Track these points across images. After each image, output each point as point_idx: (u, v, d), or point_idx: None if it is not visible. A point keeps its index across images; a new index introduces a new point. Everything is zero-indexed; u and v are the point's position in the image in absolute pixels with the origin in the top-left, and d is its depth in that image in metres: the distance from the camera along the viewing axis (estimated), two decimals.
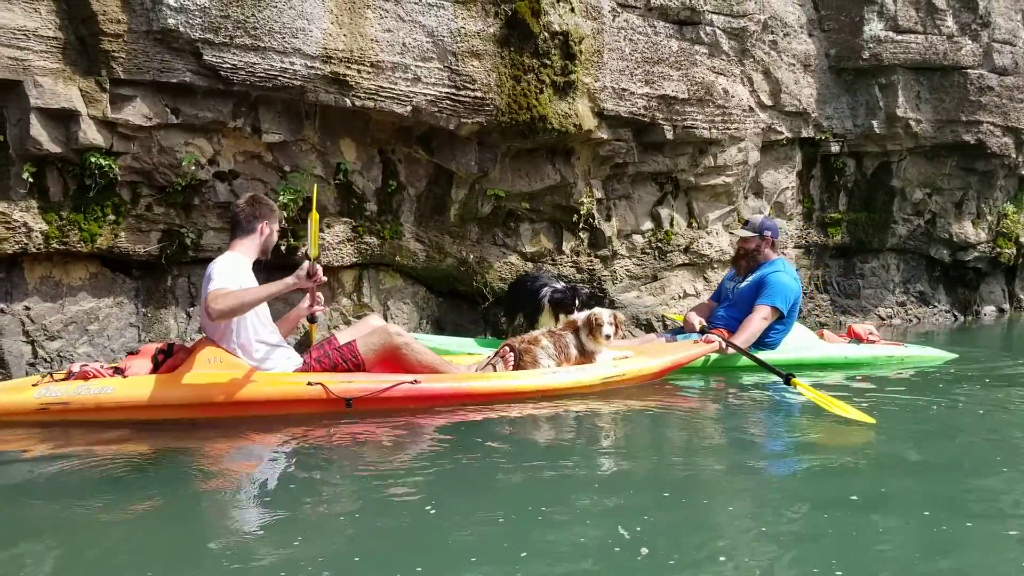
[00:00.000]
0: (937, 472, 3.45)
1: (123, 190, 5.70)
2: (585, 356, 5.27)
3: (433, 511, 2.95)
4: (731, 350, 5.73)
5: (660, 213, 8.10)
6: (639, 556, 2.48)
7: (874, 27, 8.78)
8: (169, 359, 4.43)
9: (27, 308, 5.56)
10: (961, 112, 9.20)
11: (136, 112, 5.51)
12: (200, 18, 5.41)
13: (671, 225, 8.16)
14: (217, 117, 5.78)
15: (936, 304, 10.30)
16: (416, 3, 6.25)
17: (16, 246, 5.34)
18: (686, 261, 8.21)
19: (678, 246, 8.17)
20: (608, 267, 7.79)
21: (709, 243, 8.32)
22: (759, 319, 5.88)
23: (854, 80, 9.06)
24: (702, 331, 5.97)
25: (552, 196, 7.40)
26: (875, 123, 9.07)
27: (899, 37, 8.86)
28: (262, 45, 5.64)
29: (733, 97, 7.99)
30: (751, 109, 8.25)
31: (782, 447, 4.16)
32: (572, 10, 6.89)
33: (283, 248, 6.23)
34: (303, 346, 5.20)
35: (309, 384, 4.32)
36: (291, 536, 2.72)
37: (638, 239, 8.02)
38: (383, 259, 6.83)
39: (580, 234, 7.65)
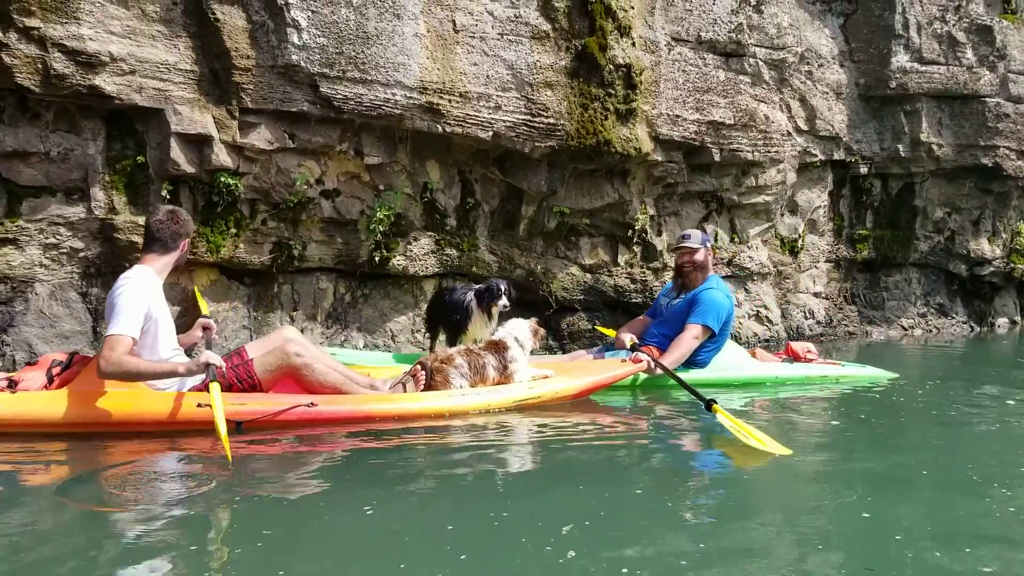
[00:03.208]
0: (836, 501, 3.28)
1: (243, 206, 6.37)
2: (505, 376, 5.05)
3: (360, 520, 2.93)
4: (659, 370, 5.51)
5: (706, 229, 8.79)
6: (565, 558, 2.55)
7: (900, 59, 9.49)
8: (66, 371, 4.29)
9: None
10: (979, 137, 9.90)
11: (260, 137, 6.18)
12: (319, 55, 6.09)
13: (715, 240, 8.85)
14: (327, 142, 6.46)
15: (954, 316, 10.97)
16: (498, 39, 6.93)
17: None
18: (729, 273, 8.88)
19: (722, 259, 8.85)
20: (659, 278, 8.45)
21: (750, 256, 9.00)
22: (690, 338, 5.73)
23: (881, 107, 9.76)
24: (632, 348, 5.79)
25: (610, 213, 8.07)
26: (900, 147, 9.77)
27: (923, 68, 9.56)
28: (369, 78, 6.31)
29: (773, 123, 8.69)
30: (789, 134, 8.95)
31: (696, 465, 4.04)
32: (633, 44, 7.58)
33: (377, 259, 6.90)
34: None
35: (199, 405, 4.07)
36: (202, 557, 2.62)
37: None
38: (461, 269, 7.49)
39: (634, 248, 8.32)
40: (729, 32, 8.29)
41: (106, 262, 5.95)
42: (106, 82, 5.60)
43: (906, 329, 10.46)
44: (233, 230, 6.31)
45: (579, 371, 5.44)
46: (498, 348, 5.08)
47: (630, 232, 8.20)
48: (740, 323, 8.94)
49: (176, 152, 5.91)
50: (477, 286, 6.04)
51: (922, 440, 4.55)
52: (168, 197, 6.00)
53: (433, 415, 4.60)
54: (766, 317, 9.14)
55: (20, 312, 5.77)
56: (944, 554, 2.62)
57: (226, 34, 5.90)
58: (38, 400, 4.10)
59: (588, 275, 8.17)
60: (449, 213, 7.41)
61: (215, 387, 4.01)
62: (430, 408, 4.62)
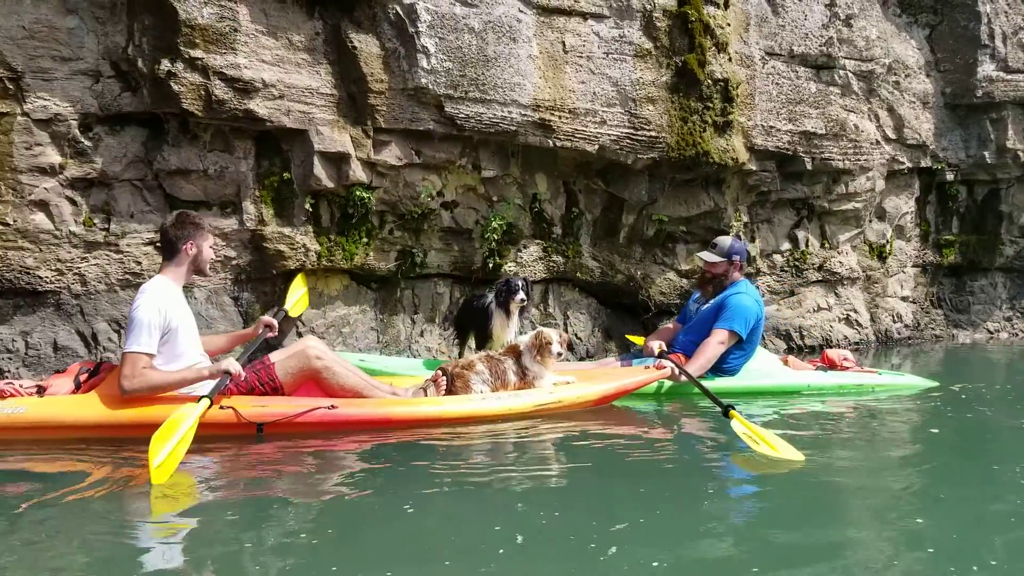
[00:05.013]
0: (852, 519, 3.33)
1: (373, 217, 6.91)
2: (526, 382, 5.03)
3: (401, 518, 3.00)
4: (684, 377, 5.46)
5: (797, 235, 9.12)
6: (606, 555, 2.67)
7: (986, 68, 9.67)
8: (93, 379, 4.39)
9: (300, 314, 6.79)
10: None
11: (391, 154, 6.72)
12: (445, 77, 6.61)
13: (806, 246, 9.16)
14: (449, 157, 6.98)
15: None
16: (604, 58, 7.38)
17: (297, 263, 6.57)
18: (820, 278, 9.19)
19: (813, 264, 9.16)
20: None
21: (840, 262, 9.29)
22: (715, 344, 5.65)
23: (967, 115, 9.95)
24: (660, 355, 5.72)
25: (705, 220, 8.45)
26: (986, 154, 9.94)
27: (1009, 76, 9.72)
28: (488, 98, 6.81)
29: (862, 132, 8.97)
30: (877, 142, 9.22)
31: (719, 471, 4.10)
32: (730, 60, 7.96)
33: (490, 265, 7.38)
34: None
35: (221, 408, 4.18)
36: (251, 560, 2.66)
37: (778, 258, 9.04)
38: (566, 275, 7.94)
39: None
40: (820, 46, 8.61)
41: (256, 269, 6.54)
42: (259, 106, 6.18)
43: (992, 333, 10.58)
44: (364, 239, 6.85)
45: (602, 377, 5.45)
46: (517, 353, 5.11)
47: None
48: (831, 326, 9.22)
49: (318, 169, 6.47)
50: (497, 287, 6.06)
51: (950, 451, 4.59)
52: (310, 210, 6.58)
53: (453, 419, 4.64)
54: (855, 321, 9.40)
55: None
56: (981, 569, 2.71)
57: (362, 60, 6.45)
58: (62, 405, 4.25)
59: (684, 280, 8.54)
60: (555, 222, 7.87)
61: (202, 404, 4.00)
62: (450, 412, 4.66)
